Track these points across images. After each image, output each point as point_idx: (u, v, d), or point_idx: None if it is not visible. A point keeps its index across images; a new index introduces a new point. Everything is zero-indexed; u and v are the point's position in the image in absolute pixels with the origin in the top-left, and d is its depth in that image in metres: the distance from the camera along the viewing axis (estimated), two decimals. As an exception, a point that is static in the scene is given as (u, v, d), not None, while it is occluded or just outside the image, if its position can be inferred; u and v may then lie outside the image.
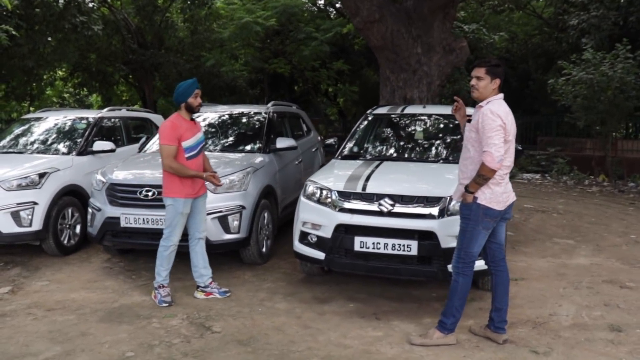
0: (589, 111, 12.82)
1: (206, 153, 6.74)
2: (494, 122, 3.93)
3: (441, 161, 5.89)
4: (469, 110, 4.61)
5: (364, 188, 5.03)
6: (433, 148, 6.20)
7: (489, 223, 4.11)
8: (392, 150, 6.30)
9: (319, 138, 9.00)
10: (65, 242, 6.87)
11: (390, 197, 4.90)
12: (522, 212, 9.80)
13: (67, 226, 6.90)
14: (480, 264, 4.80)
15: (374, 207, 4.91)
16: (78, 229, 7.00)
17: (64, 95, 26.75)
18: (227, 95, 21.06)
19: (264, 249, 6.35)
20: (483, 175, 3.95)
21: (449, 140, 6.25)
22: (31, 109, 20.61)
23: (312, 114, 26.34)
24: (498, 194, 4.06)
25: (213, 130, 7.31)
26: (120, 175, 6.10)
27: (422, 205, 4.83)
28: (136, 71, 19.62)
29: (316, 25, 17.05)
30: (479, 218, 4.06)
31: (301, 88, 24.63)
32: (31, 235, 6.49)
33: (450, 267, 4.71)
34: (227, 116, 7.61)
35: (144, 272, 6.18)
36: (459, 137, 6.15)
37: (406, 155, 6.17)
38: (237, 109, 7.77)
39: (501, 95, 4.17)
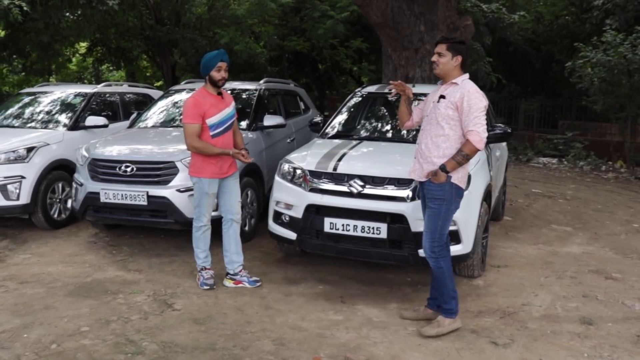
0: (607, 95, 12.35)
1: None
2: (481, 103, 3.90)
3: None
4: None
5: (335, 168, 4.90)
6: (416, 128, 6.00)
7: (458, 203, 4.09)
8: (374, 130, 6.14)
9: (319, 116, 8.83)
10: (56, 216, 6.91)
11: (361, 177, 4.76)
12: (527, 196, 9.55)
13: (58, 200, 6.93)
14: (458, 248, 4.69)
15: (344, 187, 4.79)
16: (69, 203, 7.02)
17: (89, 70, 26.97)
18: (245, 72, 20.95)
19: (246, 228, 6.27)
20: (467, 155, 3.89)
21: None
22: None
23: (336, 93, 26.13)
24: (466, 174, 4.09)
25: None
26: (102, 151, 6.09)
27: (393, 187, 4.68)
28: (154, 47, 19.62)
29: (332, 2, 16.72)
30: (452, 198, 4.00)
31: (325, 66, 24.34)
32: (19, 209, 6.53)
33: (421, 252, 4.60)
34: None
35: (125, 248, 6.18)
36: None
37: (388, 136, 5.99)
38: (228, 85, 7.65)
39: (467, 75, 4.08)
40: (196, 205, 4.96)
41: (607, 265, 5.77)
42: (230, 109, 4.96)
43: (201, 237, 5.00)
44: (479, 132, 3.83)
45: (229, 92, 7.41)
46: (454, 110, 3.93)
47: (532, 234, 7.01)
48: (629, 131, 13.03)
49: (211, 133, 4.80)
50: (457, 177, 3.98)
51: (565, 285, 5.13)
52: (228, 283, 5.06)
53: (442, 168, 3.92)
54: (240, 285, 5.01)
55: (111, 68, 25.21)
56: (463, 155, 3.89)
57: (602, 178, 12.08)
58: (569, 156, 14.27)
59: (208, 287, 4.93)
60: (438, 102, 4.04)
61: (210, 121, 4.78)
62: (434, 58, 4.06)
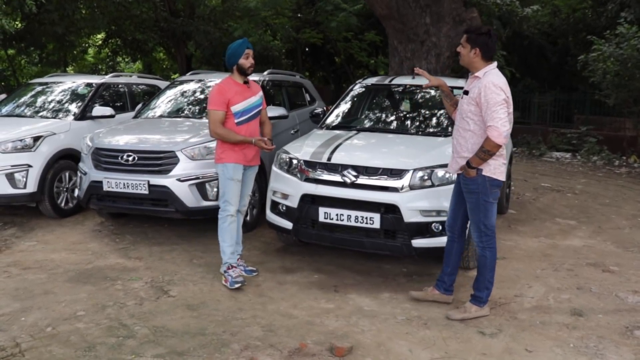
0: (620, 89, 12.21)
1: (194, 120, 6.82)
2: (498, 96, 3.87)
3: (420, 133, 5.72)
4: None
5: (329, 158, 4.93)
6: (415, 119, 6.02)
7: (496, 193, 4.13)
8: (372, 121, 6.15)
9: (323, 108, 8.86)
10: (63, 204, 7.03)
11: (354, 168, 4.79)
12: (536, 190, 9.50)
13: (64, 189, 7.05)
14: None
15: (337, 177, 4.82)
16: (76, 192, 7.12)
17: (106, 62, 27.23)
18: (259, 65, 21.01)
19: (247, 217, 6.33)
20: (488, 151, 3.91)
21: (433, 112, 6.05)
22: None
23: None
24: (500, 165, 4.07)
25: (202, 97, 7.31)
26: (105, 140, 6.18)
27: (387, 177, 4.71)
28: (168, 39, 19.78)
29: (345, -6, 16.76)
30: (487, 190, 4.06)
31: (340, 60, 24.31)
32: (25, 197, 6.65)
33: (415, 243, 4.65)
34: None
35: (128, 236, 6.28)
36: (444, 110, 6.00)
37: (386, 127, 6.01)
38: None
39: (494, 64, 4.08)
40: (222, 194, 4.87)
41: (606, 258, 5.74)
42: (256, 97, 4.95)
43: (228, 229, 4.86)
44: (497, 127, 3.83)
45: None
46: (475, 106, 3.98)
47: (535, 227, 6.98)
48: (642, 125, 12.88)
49: (236, 121, 4.80)
50: (489, 170, 4.02)
51: (560, 278, 5.12)
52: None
53: (468, 164, 4.01)
54: None
55: (127, 60, 25.42)
56: (484, 151, 3.92)
57: (615, 173, 11.95)
58: (582, 151, 14.13)
59: (239, 285, 4.74)
60: (462, 98, 4.15)
61: (234, 109, 4.77)
62: (458, 49, 4.16)
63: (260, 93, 5.04)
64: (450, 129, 5.77)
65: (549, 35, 19.59)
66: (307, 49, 23.08)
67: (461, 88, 4.44)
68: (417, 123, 5.98)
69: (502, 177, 4.08)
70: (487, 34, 4.06)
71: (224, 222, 4.86)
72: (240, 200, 5.02)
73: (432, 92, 6.28)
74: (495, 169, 4.03)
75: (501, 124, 3.82)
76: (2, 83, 18.62)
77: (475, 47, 4.02)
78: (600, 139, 14.23)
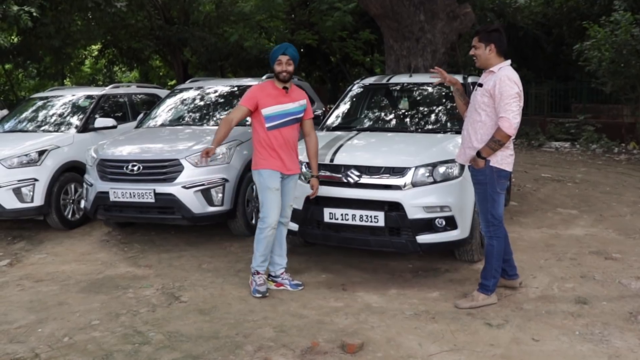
0: (616, 76, 12.28)
1: (196, 128, 6.91)
2: (512, 90, 4.01)
3: (419, 131, 5.79)
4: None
5: (331, 159, 5.01)
6: (414, 117, 6.10)
7: (503, 184, 4.29)
8: (372, 121, 6.24)
9: (322, 109, 8.95)
10: (70, 216, 7.13)
11: (357, 168, 4.87)
12: (536, 181, 9.57)
13: (71, 201, 7.14)
14: (455, 234, 4.79)
15: (341, 178, 4.90)
16: (82, 203, 7.21)
17: (103, 72, 27.33)
18: (256, 69, 21.11)
19: (253, 221, 6.42)
20: (498, 141, 4.05)
21: (431, 109, 6.13)
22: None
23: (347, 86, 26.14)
24: (507, 156, 4.21)
25: (203, 104, 7.40)
26: (109, 151, 6.27)
27: (389, 175, 4.79)
28: (164, 47, 19.88)
29: (339, -6, 16.80)
30: (494, 180, 4.20)
31: (336, 59, 24.39)
32: (33, 211, 6.75)
33: (419, 239, 4.73)
34: (219, 90, 7.65)
35: (136, 245, 6.38)
36: (448, 106, 6.08)
37: (386, 126, 6.10)
38: (230, 83, 7.81)
39: (509, 61, 4.22)
40: (261, 203, 4.70)
41: (608, 246, 5.81)
42: (294, 105, 4.72)
43: (263, 240, 4.67)
44: (508, 119, 3.98)
45: (228, 89, 7.56)
46: (489, 97, 4.11)
47: (537, 218, 7.06)
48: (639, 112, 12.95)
49: (266, 125, 4.62)
50: (496, 161, 4.16)
51: (564, 267, 5.20)
52: (270, 285, 4.87)
53: (478, 154, 4.15)
54: (282, 287, 4.84)
55: (124, 69, 25.53)
56: (495, 141, 4.06)
57: (614, 160, 12.03)
58: (581, 139, 14.21)
59: (260, 295, 4.66)
60: (476, 90, 4.28)
61: (265, 112, 4.60)
62: (472, 52, 4.27)
63: (303, 102, 4.80)
64: (449, 125, 5.88)
65: (543, 25, 19.65)
66: (302, 50, 23.17)
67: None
68: (417, 121, 6.06)
69: (509, 168, 4.22)
70: (496, 30, 4.23)
71: (262, 232, 4.67)
72: (283, 211, 4.80)
73: (430, 89, 6.36)
74: (503, 159, 4.16)
75: (512, 116, 3.97)
76: (1, 97, 18.74)
77: (490, 43, 4.17)
78: (599, 126, 14.29)
